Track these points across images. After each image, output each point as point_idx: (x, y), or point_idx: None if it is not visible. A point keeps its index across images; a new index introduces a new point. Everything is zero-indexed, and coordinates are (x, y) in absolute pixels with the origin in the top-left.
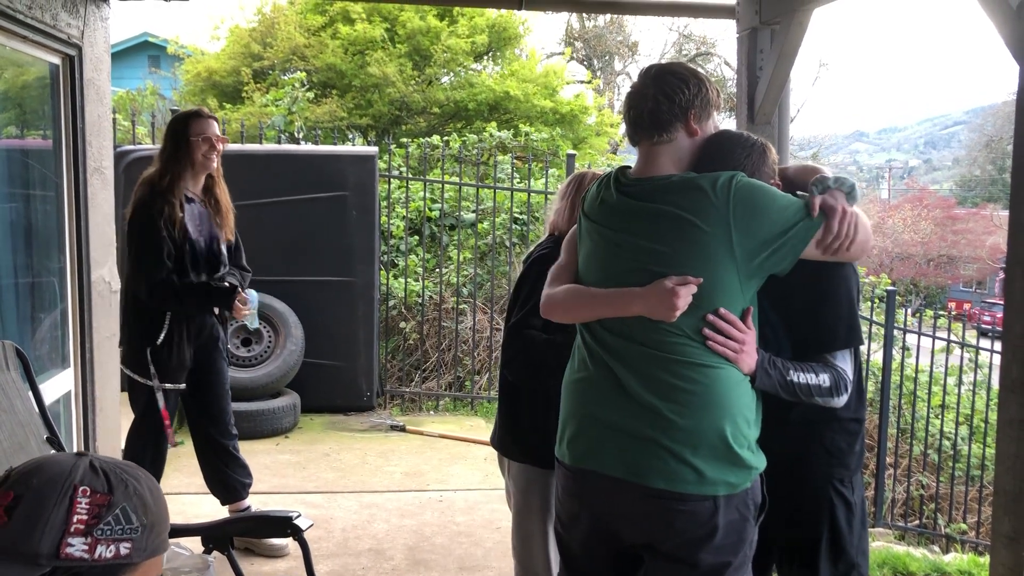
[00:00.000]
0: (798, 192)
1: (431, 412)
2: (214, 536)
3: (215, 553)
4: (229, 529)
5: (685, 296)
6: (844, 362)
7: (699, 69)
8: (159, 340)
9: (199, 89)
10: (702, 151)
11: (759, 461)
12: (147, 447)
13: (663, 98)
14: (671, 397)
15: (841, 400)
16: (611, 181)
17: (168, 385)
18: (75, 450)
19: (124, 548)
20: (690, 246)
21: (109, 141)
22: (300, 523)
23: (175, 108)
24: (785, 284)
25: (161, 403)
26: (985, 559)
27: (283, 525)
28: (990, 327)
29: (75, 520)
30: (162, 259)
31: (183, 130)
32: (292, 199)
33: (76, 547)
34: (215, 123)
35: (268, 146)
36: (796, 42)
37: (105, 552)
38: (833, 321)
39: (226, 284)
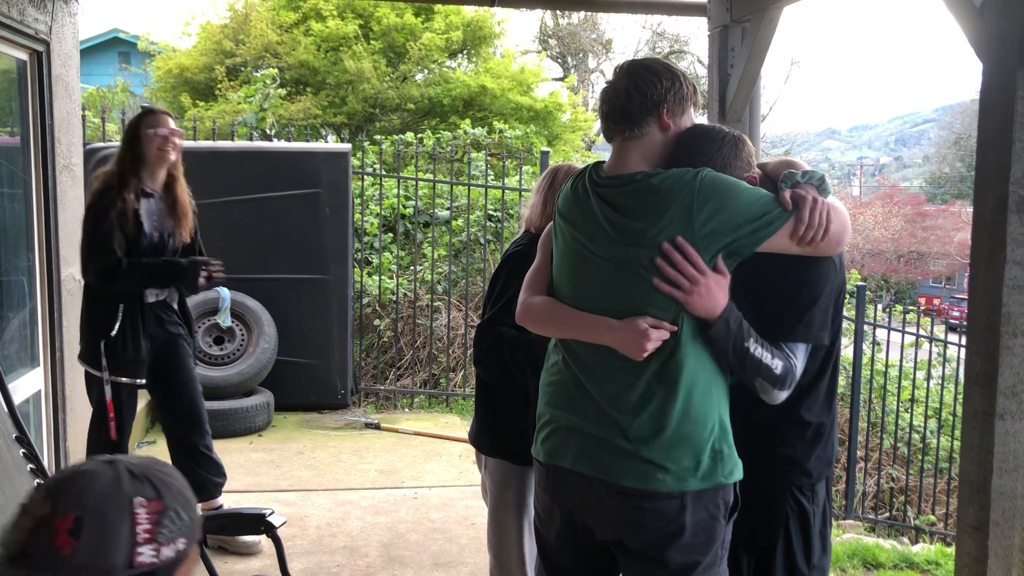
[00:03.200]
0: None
1: (406, 409)
2: None
3: None
4: (202, 527)
5: (656, 340)
6: (797, 357)
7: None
8: (113, 332)
9: (170, 86)
10: (674, 146)
11: (731, 461)
12: (105, 442)
13: (635, 92)
14: (630, 402)
15: (779, 395)
16: (585, 179)
17: (124, 379)
18: (104, 457)
19: (181, 543)
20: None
21: (78, 138)
22: (273, 520)
23: (146, 104)
24: (761, 280)
25: (108, 395)
26: (952, 549)
27: (256, 522)
28: (958, 322)
29: (140, 531)
30: (111, 245)
31: (136, 127)
32: (264, 196)
33: (145, 555)
34: (169, 119)
35: (240, 143)
36: (766, 40)
37: (168, 552)
38: (792, 312)
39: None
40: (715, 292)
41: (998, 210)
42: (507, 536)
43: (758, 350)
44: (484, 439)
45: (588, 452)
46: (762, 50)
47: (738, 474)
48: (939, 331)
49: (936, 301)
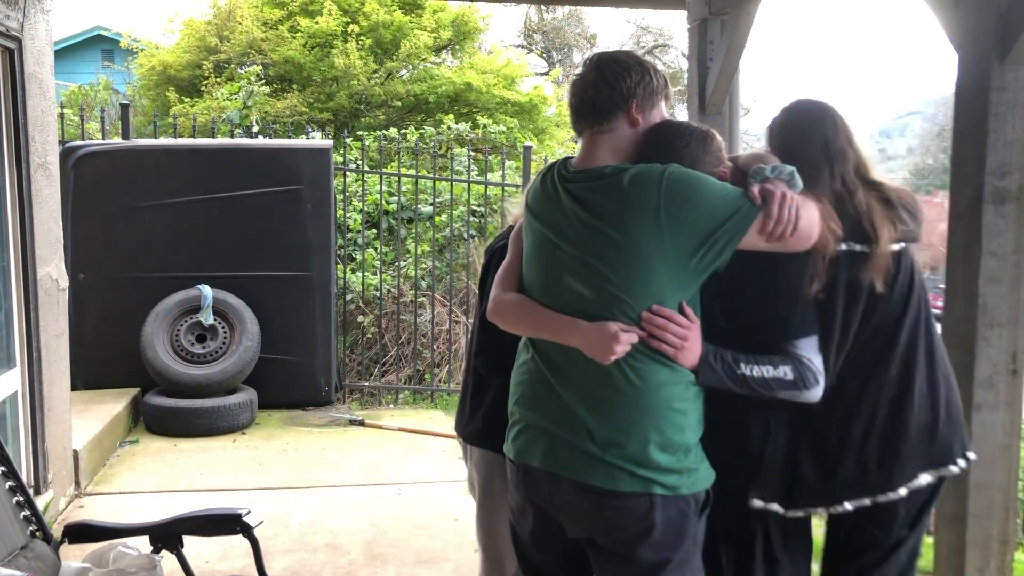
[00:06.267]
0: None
1: (390, 406)
2: (162, 535)
3: (163, 552)
4: (177, 528)
5: (624, 345)
6: (809, 351)
7: (656, 60)
8: None
9: (154, 84)
10: (643, 142)
11: (699, 464)
12: None
13: (604, 86)
14: (597, 404)
15: (813, 393)
16: (554, 173)
17: None
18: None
19: None
20: (620, 256)
21: (54, 136)
22: (249, 520)
23: (127, 103)
24: (737, 278)
25: None
26: (933, 540)
27: (232, 523)
28: (941, 312)
29: None
30: None
31: None
32: (247, 193)
33: None
34: None
35: (221, 140)
36: (745, 32)
37: None
38: (786, 309)
39: None
40: (697, 340)
41: (974, 201)
42: (496, 527)
43: (755, 369)
44: (471, 429)
45: (556, 453)
46: (740, 43)
47: (709, 476)
48: None
49: None
